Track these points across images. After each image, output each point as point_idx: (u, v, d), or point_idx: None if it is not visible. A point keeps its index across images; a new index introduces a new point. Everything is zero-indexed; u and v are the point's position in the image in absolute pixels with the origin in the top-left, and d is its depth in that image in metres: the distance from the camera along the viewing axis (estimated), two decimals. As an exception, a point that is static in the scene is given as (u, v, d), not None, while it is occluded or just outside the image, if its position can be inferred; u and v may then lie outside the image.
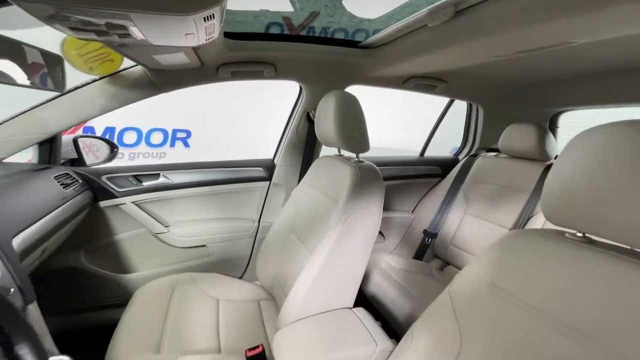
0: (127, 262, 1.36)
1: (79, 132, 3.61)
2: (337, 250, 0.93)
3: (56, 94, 1.08)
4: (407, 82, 1.52)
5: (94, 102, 1.12)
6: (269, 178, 1.54)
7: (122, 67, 1.09)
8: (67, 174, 1.16)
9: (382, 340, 0.85)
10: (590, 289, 0.48)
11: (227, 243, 1.50)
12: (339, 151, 1.20)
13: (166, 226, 1.40)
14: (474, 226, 1.58)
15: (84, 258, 1.28)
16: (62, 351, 1.22)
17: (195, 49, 0.98)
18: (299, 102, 1.49)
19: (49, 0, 0.53)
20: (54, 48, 0.86)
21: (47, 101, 1.07)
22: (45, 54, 0.71)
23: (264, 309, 1.20)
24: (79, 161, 1.34)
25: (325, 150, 1.37)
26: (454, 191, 1.75)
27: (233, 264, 1.54)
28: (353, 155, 1.10)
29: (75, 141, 1.34)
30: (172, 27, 0.67)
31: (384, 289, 1.43)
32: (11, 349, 0.40)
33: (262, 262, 1.28)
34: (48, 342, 0.75)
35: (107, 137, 3.81)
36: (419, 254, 1.81)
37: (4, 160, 1.10)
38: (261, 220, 1.56)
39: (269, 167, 1.55)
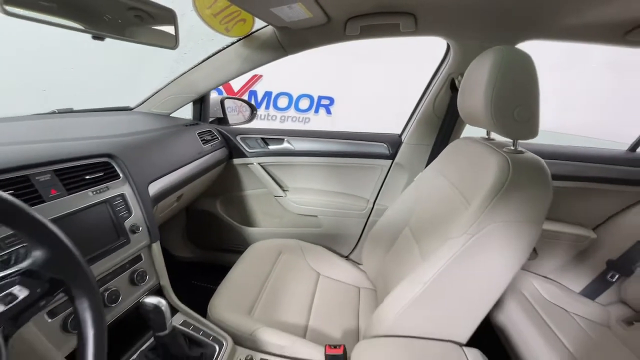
0: (249, 216, 1.49)
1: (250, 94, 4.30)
2: (457, 268, 0.68)
3: (204, 57, 1.19)
4: (636, 30, 0.93)
5: (230, 64, 1.18)
6: (392, 157, 1.35)
7: (254, 29, 1.08)
8: (210, 131, 1.31)
9: None
10: None
11: (338, 219, 1.43)
12: (487, 134, 0.90)
13: (284, 190, 1.44)
14: None
15: (218, 206, 1.47)
16: (191, 277, 1.50)
17: (317, -1, 0.85)
18: (444, 64, 1.17)
19: None
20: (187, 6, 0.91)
21: (197, 65, 1.20)
22: (158, 9, 0.73)
23: (363, 298, 1.11)
24: (223, 120, 1.51)
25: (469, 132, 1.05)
26: None
27: (341, 240, 1.47)
28: (507, 140, 0.77)
29: (222, 102, 1.50)
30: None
31: (519, 327, 1.06)
32: (72, 300, 0.41)
33: (370, 248, 1.17)
34: (164, 278, 0.86)
35: (265, 100, 4.42)
36: (592, 291, 1.27)
37: (170, 115, 1.33)
38: (376, 202, 1.41)
39: (394, 143, 1.34)
